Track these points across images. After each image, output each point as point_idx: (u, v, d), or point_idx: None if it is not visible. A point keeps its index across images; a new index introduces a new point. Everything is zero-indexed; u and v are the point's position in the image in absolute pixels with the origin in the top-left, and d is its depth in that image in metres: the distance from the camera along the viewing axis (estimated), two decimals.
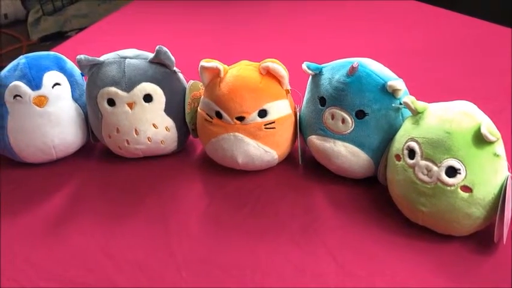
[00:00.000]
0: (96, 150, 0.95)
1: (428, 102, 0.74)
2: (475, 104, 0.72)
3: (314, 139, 0.82)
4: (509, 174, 0.68)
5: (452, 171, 0.67)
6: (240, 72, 0.81)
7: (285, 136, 0.83)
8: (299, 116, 0.85)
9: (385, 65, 0.80)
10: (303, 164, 0.88)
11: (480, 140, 0.66)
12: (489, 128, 0.65)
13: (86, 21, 2.26)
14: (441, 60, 1.18)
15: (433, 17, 1.37)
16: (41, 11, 2.36)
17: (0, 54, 2.14)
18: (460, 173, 0.67)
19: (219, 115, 0.81)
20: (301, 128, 0.85)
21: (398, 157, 0.73)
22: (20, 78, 0.84)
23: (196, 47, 1.21)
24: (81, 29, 2.04)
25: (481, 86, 1.03)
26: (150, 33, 1.34)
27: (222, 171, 0.87)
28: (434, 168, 0.68)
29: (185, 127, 0.88)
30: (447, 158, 0.67)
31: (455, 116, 0.68)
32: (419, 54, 1.21)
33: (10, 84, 0.83)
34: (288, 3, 1.50)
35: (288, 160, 0.88)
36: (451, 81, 1.09)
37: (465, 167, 0.66)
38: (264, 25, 1.41)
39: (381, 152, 0.78)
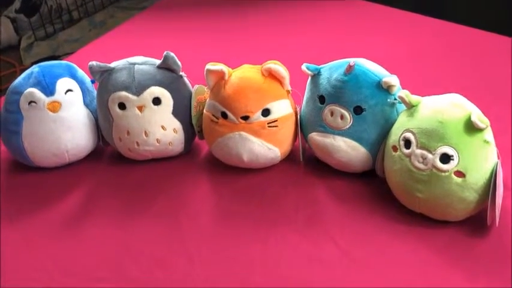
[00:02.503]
0: (106, 154, 0.98)
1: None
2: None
3: (315, 136, 0.86)
4: (499, 160, 0.73)
5: (446, 158, 0.72)
6: (243, 74, 0.85)
7: (287, 134, 0.88)
8: (300, 115, 0.89)
9: None
10: (304, 161, 0.92)
11: (471, 127, 0.71)
12: (479, 116, 0.70)
13: (78, 45, 2.26)
14: (431, 63, 1.24)
15: (423, 25, 1.43)
16: (33, 37, 2.38)
17: None
18: (453, 159, 0.71)
19: (224, 115, 0.85)
20: (301, 127, 0.89)
21: (395, 148, 0.78)
22: (34, 85, 0.87)
23: (196, 55, 1.25)
24: (73, 53, 2.06)
25: (469, 85, 1.09)
26: (149, 48, 1.38)
27: (228, 170, 0.91)
28: (429, 155, 0.73)
29: (191, 129, 0.92)
30: (441, 146, 0.72)
31: (447, 107, 0.73)
32: (409, 58, 1.26)
33: (25, 91, 0.87)
34: (286, 12, 1.55)
35: (290, 158, 0.92)
36: (441, 81, 1.15)
37: (458, 153, 0.71)
38: (263, 31, 1.47)
39: (378, 145, 0.82)
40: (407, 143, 0.76)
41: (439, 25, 1.42)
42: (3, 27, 2.39)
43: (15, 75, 2.14)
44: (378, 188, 0.85)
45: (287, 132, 0.88)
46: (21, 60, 2.31)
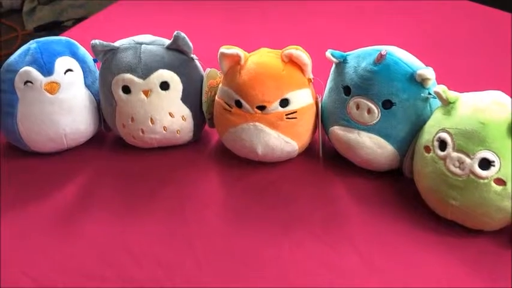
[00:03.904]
0: (108, 140, 0.93)
1: None
2: None
3: (337, 130, 0.79)
4: None
5: (485, 164, 0.65)
6: (261, 59, 0.78)
7: (306, 127, 0.81)
8: (320, 105, 0.82)
9: None
10: (324, 156, 0.86)
11: None
12: None
13: (83, 11, 2.24)
14: (462, 52, 1.17)
15: (453, 9, 1.36)
16: (36, 0, 2.32)
17: None
18: (494, 165, 0.65)
19: (238, 104, 0.78)
20: (322, 119, 0.83)
21: (427, 149, 0.71)
22: (31, 64, 0.81)
23: (209, 36, 1.19)
24: (77, 19, 2.00)
25: (505, 78, 1.02)
26: (157, 23, 1.32)
27: (239, 163, 0.85)
28: (467, 160, 0.66)
29: (201, 116, 0.86)
30: (481, 150, 0.65)
31: (489, 106, 0.66)
32: (438, 47, 1.19)
33: (21, 70, 0.81)
34: None
35: (307, 152, 0.86)
36: (474, 73, 1.08)
37: (499, 159, 0.64)
38: (284, 12, 1.40)
39: (407, 143, 0.76)
40: (443, 144, 0.68)
41: (471, 8, 1.35)
42: None
43: (16, 41, 2.09)
44: (405, 189, 0.79)
45: (306, 124, 0.81)
46: (23, 25, 2.26)
